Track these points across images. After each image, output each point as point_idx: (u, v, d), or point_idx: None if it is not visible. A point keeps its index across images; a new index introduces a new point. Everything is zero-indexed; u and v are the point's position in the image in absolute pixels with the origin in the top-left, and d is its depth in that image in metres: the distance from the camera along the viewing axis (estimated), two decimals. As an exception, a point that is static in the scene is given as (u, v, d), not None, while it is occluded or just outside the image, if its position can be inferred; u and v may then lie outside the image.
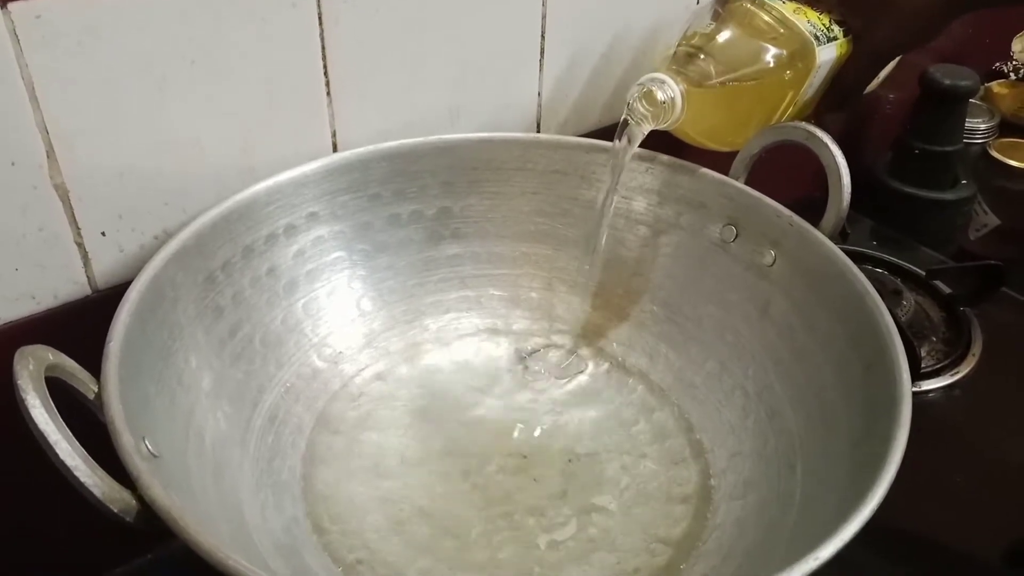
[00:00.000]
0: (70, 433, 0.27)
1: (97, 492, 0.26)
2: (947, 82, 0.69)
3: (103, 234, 0.41)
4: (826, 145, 0.42)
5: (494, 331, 0.48)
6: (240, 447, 0.39)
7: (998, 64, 0.87)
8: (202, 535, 0.26)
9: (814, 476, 0.37)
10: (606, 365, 0.46)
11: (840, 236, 0.43)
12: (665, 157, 0.46)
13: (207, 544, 0.25)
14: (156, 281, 0.37)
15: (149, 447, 0.31)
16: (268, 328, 0.43)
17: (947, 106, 0.70)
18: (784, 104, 0.45)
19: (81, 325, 0.35)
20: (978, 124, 0.80)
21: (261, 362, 0.42)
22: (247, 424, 0.40)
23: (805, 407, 0.40)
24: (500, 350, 0.47)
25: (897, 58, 0.51)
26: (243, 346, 0.42)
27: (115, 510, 0.26)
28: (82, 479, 0.26)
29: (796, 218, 0.42)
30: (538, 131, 0.52)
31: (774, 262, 0.43)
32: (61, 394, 0.30)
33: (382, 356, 0.46)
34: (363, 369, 0.45)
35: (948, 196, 0.72)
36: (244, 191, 0.42)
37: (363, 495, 0.39)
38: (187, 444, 0.35)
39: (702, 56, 0.43)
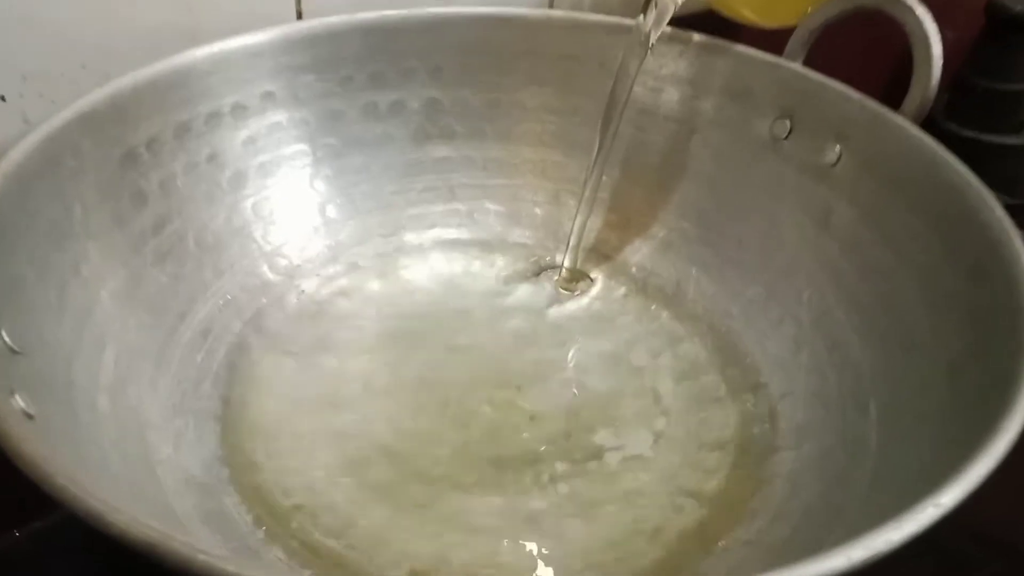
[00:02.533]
0: None
1: None
2: (1019, 8, 0.60)
3: (3, 99, 0.33)
4: (911, 9, 0.34)
5: (488, 248, 0.40)
6: (155, 363, 0.30)
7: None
8: (29, 442, 0.18)
9: (895, 416, 0.28)
10: (623, 289, 0.38)
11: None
12: (702, 37, 0.38)
13: (31, 454, 0.17)
14: (52, 144, 0.29)
15: (6, 339, 0.23)
16: (206, 227, 0.35)
17: (1016, 37, 0.61)
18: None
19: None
20: (1047, 66, 0.71)
21: (195, 266, 0.34)
22: (169, 337, 0.32)
23: (877, 333, 0.31)
24: (494, 270, 0.39)
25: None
26: (172, 244, 0.34)
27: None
28: None
29: (870, 101, 0.34)
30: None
31: (838, 160, 0.35)
32: None
33: (350, 271, 0.38)
34: (325, 284, 0.37)
35: (1012, 141, 0.63)
36: (180, 55, 0.34)
37: (313, 428, 0.31)
38: (77, 349, 0.27)
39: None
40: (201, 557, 0.15)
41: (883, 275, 0.32)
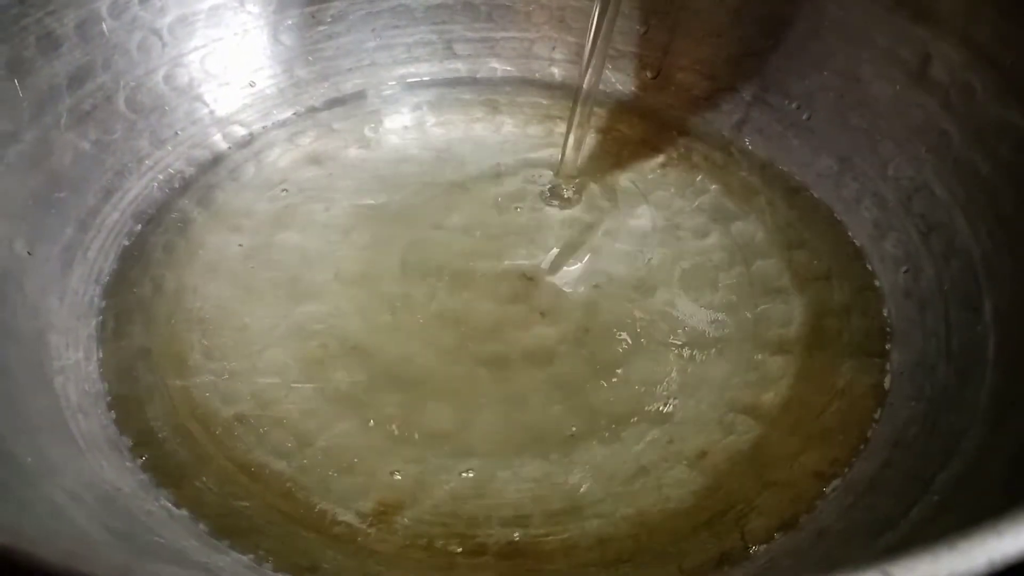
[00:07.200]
0: None
1: None
2: None
3: None
4: None
5: (493, 108, 0.32)
6: (66, 249, 0.24)
7: None
8: None
9: (1018, 317, 0.21)
10: (660, 158, 0.31)
11: None
12: None
13: None
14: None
15: None
16: (141, 84, 0.29)
17: None
18: None
19: None
20: None
21: (126, 133, 0.28)
22: (89, 219, 0.26)
23: (994, 214, 0.24)
24: (501, 135, 0.31)
25: None
26: (95, 104, 0.27)
27: None
28: None
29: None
30: None
31: (944, -13, 0.27)
32: None
33: (323, 136, 0.31)
34: (291, 149, 0.30)
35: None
36: None
37: (266, 322, 0.24)
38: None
39: None
40: None
41: (1004, 137, 0.25)
